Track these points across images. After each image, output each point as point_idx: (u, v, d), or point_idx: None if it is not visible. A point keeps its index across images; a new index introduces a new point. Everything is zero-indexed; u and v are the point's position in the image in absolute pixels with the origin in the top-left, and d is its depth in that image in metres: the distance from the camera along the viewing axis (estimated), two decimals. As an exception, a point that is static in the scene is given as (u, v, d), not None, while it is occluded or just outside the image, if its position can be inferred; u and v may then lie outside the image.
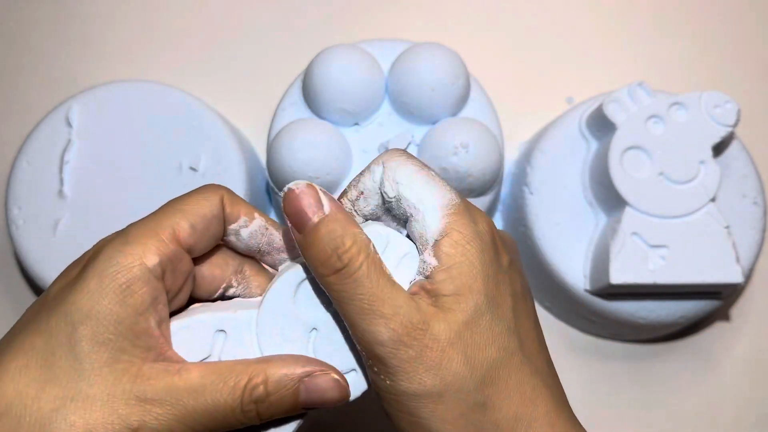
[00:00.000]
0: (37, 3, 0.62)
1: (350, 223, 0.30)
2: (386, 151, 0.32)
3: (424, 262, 0.30)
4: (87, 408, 0.28)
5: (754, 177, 0.51)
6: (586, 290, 0.50)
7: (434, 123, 0.50)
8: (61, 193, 0.50)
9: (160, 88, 0.53)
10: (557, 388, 0.32)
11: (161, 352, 0.30)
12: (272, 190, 0.52)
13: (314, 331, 0.31)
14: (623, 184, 0.48)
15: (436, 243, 0.30)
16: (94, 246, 0.31)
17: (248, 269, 0.34)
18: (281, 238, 0.33)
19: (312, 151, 0.47)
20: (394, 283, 0.30)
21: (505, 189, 0.57)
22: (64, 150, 0.51)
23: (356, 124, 0.51)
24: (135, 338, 0.29)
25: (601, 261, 0.48)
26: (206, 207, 0.31)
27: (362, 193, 0.32)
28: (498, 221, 0.57)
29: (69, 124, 0.51)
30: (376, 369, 0.30)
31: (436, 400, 0.29)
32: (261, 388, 0.30)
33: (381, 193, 0.32)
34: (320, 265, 0.29)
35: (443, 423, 0.29)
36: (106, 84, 0.53)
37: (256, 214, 0.33)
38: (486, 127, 0.49)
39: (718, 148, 0.50)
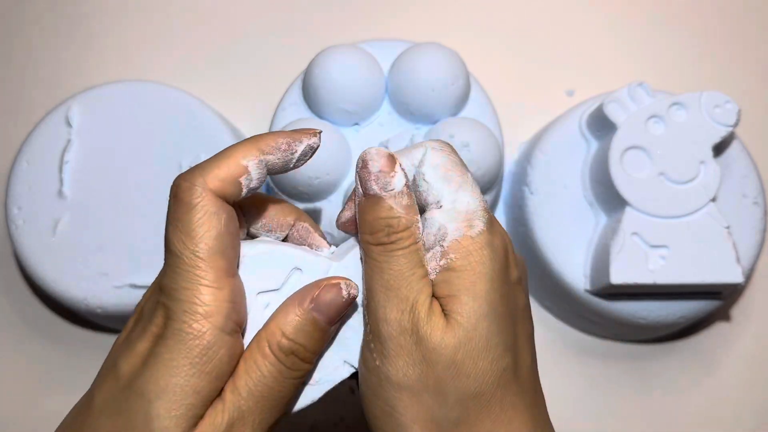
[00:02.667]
0: (37, 3, 0.62)
1: (412, 210, 0.30)
2: (433, 140, 0.33)
3: (434, 261, 0.31)
4: None
5: (754, 177, 0.51)
6: (586, 290, 0.50)
7: (434, 123, 0.50)
8: (61, 193, 0.50)
9: (160, 88, 0.53)
10: (540, 412, 0.32)
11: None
12: (272, 190, 0.52)
13: None
14: (623, 184, 0.48)
15: (444, 247, 0.30)
16: (159, 302, 0.30)
17: (304, 223, 0.34)
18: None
19: (312, 151, 0.47)
20: (424, 276, 0.30)
21: (505, 189, 0.57)
22: (64, 150, 0.51)
23: (356, 124, 0.51)
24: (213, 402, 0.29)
25: (601, 261, 0.48)
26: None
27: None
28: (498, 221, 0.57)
29: (69, 124, 0.51)
30: (372, 346, 0.30)
31: (414, 396, 0.29)
32: (278, 333, 0.30)
33: (414, 174, 0.32)
34: (369, 233, 0.30)
35: (413, 422, 0.29)
36: (106, 84, 0.53)
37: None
38: (486, 127, 0.49)
39: (719, 148, 0.50)
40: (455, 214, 0.30)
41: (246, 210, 0.33)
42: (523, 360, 0.31)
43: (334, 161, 0.48)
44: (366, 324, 0.31)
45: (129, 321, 0.32)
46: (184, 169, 0.51)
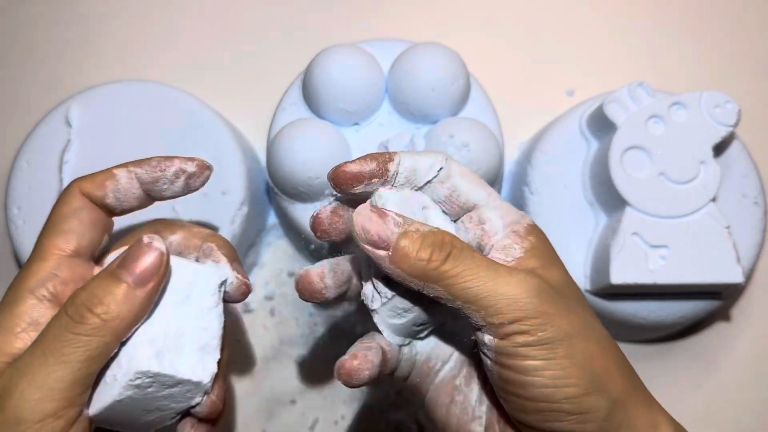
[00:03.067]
0: (37, 3, 0.62)
1: (424, 225, 0.32)
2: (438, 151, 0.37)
3: (511, 246, 0.33)
4: None
5: (754, 177, 0.51)
6: (587, 290, 0.50)
7: (434, 123, 0.50)
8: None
9: (160, 88, 0.53)
10: None
11: None
12: (272, 190, 0.52)
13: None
14: (623, 184, 0.48)
15: (519, 231, 0.34)
16: None
17: (210, 244, 0.37)
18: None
19: (312, 151, 0.47)
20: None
21: (505, 189, 0.57)
22: (64, 150, 0.51)
23: (356, 124, 0.51)
24: None
25: (601, 261, 0.48)
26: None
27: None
28: (498, 221, 0.57)
29: (69, 124, 0.51)
30: (515, 327, 0.30)
31: (574, 341, 0.31)
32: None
33: (448, 186, 0.35)
34: (426, 261, 0.31)
35: (604, 369, 0.31)
36: (106, 84, 0.53)
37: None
38: (486, 127, 0.49)
39: (719, 148, 0.50)
40: (504, 209, 0.35)
41: (162, 236, 0.36)
42: None
43: (334, 161, 0.47)
44: (478, 328, 0.31)
45: None
46: (184, 169, 0.51)
